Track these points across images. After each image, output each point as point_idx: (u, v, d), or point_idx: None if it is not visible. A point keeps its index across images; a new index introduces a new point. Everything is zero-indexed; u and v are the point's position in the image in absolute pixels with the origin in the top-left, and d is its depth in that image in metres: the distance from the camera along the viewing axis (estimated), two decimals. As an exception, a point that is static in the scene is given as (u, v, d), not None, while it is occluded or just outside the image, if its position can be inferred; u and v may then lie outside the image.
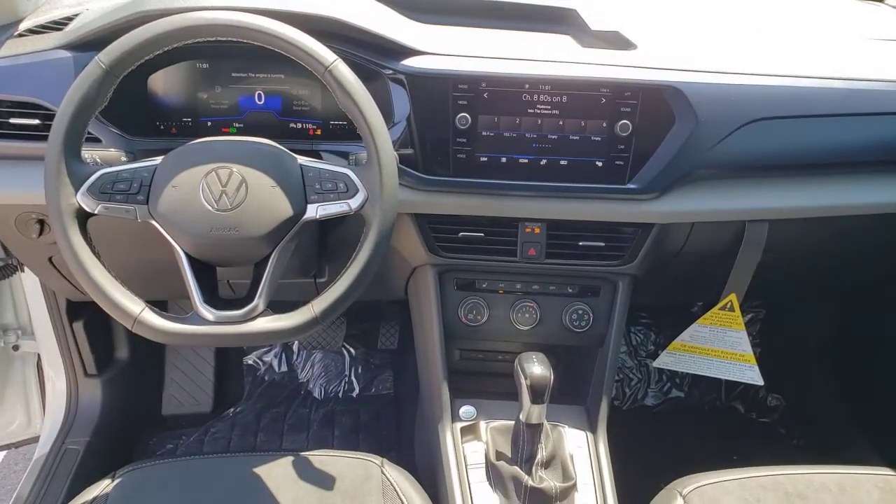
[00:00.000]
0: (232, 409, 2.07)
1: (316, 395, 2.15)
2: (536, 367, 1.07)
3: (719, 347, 1.46)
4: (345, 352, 2.22)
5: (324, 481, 1.10)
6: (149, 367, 2.00)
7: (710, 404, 2.16)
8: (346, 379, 2.18)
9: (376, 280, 1.00)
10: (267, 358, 2.21)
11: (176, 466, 1.15)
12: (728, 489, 1.11)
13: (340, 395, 2.16)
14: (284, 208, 0.96)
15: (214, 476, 1.12)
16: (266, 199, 0.95)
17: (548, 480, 1.10)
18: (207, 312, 0.94)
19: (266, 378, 2.18)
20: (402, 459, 1.22)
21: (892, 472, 1.15)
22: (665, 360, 1.49)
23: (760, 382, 1.45)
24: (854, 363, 1.95)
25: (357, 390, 2.17)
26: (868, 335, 1.90)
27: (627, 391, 2.16)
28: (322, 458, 1.15)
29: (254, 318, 0.96)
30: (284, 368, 2.20)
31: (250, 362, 2.20)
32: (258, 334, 0.96)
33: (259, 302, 0.96)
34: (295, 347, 2.22)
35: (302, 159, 1.01)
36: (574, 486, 1.13)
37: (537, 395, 1.07)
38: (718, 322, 1.44)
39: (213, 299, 0.97)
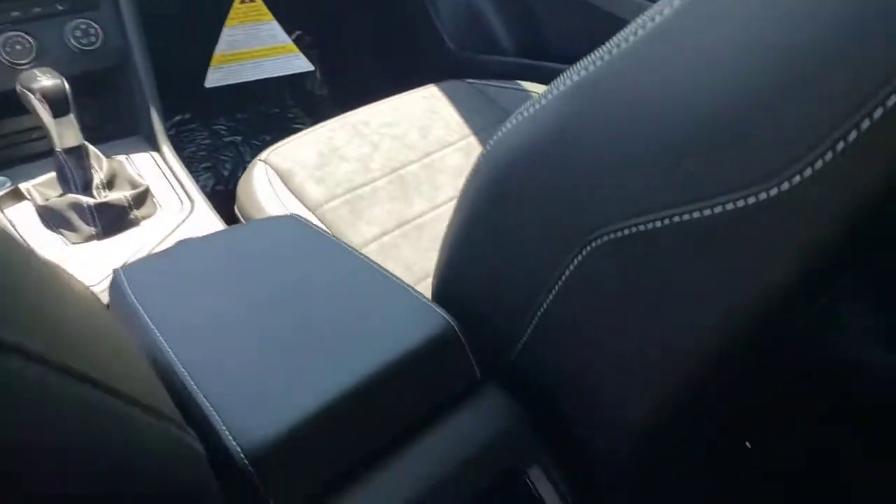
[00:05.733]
0: None
1: None
2: (45, 80, 0.91)
3: (259, 46, 1.41)
4: None
5: None
6: None
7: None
8: None
9: None
10: None
11: None
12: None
13: None
14: None
15: None
16: None
17: (115, 194, 0.98)
18: None
19: None
20: None
21: None
22: (215, 78, 1.40)
23: (310, 68, 1.45)
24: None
25: None
26: None
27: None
28: None
29: None
30: None
31: None
32: None
33: None
34: None
35: None
36: (148, 190, 1.02)
37: (57, 106, 0.91)
38: (246, 20, 1.38)
39: None
